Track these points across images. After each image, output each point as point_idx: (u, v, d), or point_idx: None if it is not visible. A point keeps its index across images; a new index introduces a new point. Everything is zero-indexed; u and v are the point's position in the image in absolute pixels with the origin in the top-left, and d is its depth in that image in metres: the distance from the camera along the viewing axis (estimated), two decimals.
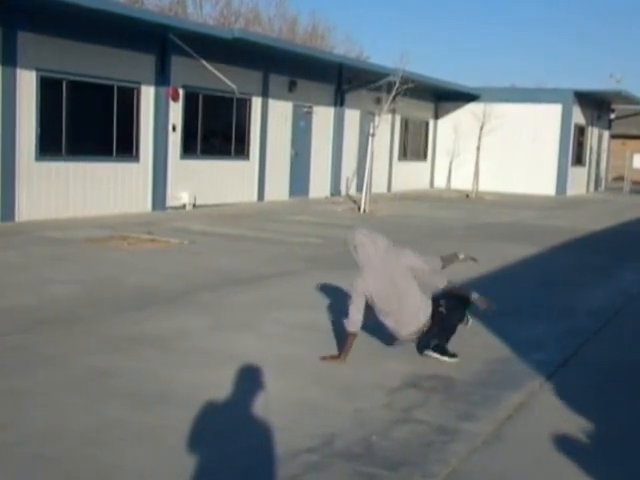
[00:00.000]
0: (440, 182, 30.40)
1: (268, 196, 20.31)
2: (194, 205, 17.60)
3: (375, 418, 4.97)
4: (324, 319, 7.54)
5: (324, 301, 8.32)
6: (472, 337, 7.15)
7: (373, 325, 6.44)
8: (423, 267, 6.24)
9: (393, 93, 19.93)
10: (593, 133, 32.35)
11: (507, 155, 28.51)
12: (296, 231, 14.40)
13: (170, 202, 17.10)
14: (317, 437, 4.58)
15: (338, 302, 8.04)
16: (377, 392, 5.49)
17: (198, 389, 5.35)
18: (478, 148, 26.16)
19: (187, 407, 4.97)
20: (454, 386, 5.74)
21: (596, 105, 31.46)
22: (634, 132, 42.78)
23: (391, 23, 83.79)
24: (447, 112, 29.87)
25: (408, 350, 6.63)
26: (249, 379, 5.65)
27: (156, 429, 4.64)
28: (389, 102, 20.33)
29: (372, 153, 19.50)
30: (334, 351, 6.33)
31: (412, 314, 6.16)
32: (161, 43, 16.34)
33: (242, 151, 19.61)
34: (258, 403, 5.13)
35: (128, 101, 16.07)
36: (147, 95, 16.44)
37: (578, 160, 30.55)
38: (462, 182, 28.31)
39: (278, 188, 20.85)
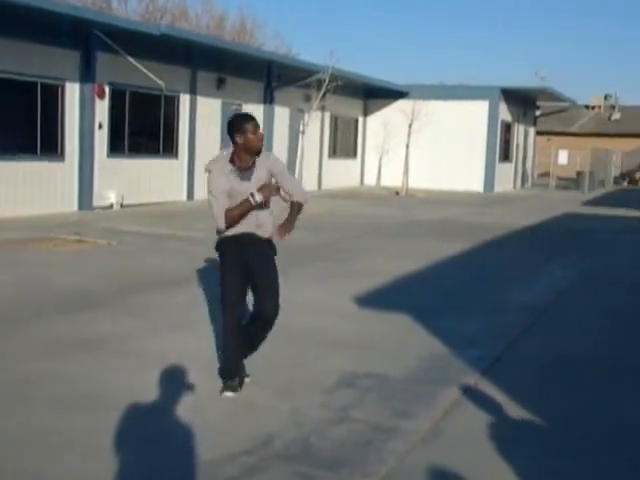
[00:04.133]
0: (370, 179, 30.52)
1: (198, 195, 20.04)
2: (122, 205, 17.26)
3: (312, 418, 4.92)
4: None
5: None
6: (406, 334, 7.21)
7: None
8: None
9: (322, 90, 19.88)
10: (519, 130, 32.92)
11: (436, 152, 28.79)
12: None
13: (97, 202, 16.72)
14: (254, 438, 4.52)
15: None
16: (313, 391, 5.44)
17: (131, 393, 5.22)
18: (407, 145, 26.33)
19: (119, 412, 4.84)
20: (390, 384, 5.72)
21: (522, 102, 32.04)
22: (558, 129, 43.82)
23: (320, 19, 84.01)
24: (376, 109, 30.00)
25: (344, 348, 6.60)
26: (184, 380, 5.54)
27: (85, 435, 4.50)
28: (318, 99, 20.29)
29: (302, 151, 19.43)
30: (269, 354, 6.22)
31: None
32: (85, 39, 15.94)
33: (170, 149, 19.31)
34: (193, 405, 5.04)
35: (52, 98, 15.63)
36: (72, 92, 16.02)
37: (505, 157, 31.05)
38: (392, 179, 28.46)
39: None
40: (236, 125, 5.15)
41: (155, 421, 4.81)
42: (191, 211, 17.67)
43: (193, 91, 19.70)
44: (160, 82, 17.26)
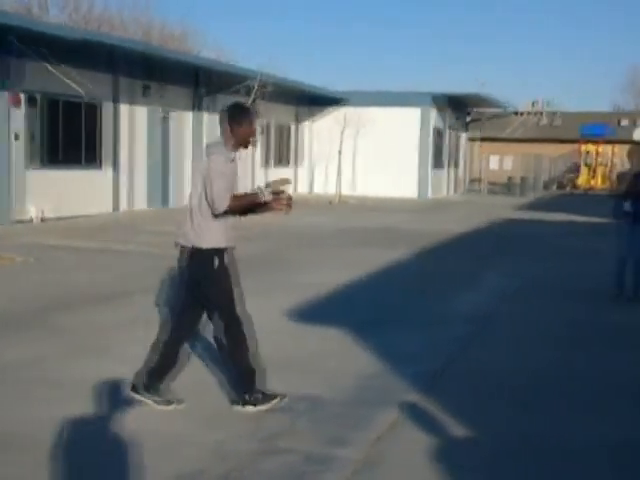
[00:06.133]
0: (304, 188, 30.16)
1: (125, 206, 19.34)
2: (43, 218, 16.46)
3: (239, 450, 4.53)
4: None
5: None
6: (342, 350, 6.86)
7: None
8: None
9: (252, 96, 19.43)
10: (452, 135, 33.02)
11: (370, 159, 28.54)
12: (157, 242, 13.61)
13: (16, 216, 15.89)
14: (176, 477, 4.13)
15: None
16: (240, 419, 5.03)
17: (42, 428, 4.73)
18: (340, 152, 26.04)
19: (27, 451, 4.40)
20: (323, 407, 5.32)
21: (454, 108, 32.12)
22: (490, 134, 44.14)
23: (255, 27, 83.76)
24: (310, 116, 29.65)
25: (274, 368, 6.12)
26: (103, 412, 5.08)
27: None
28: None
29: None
30: (197, 377, 5.69)
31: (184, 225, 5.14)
32: None
33: (94, 159, 18.48)
34: (111, 440, 4.61)
35: None
36: None
37: (438, 163, 31.04)
38: (326, 187, 28.10)
39: (135, 197, 19.89)
40: (240, 115, 5.04)
41: (67, 461, 4.35)
42: (117, 223, 17.03)
43: (116, 98, 18.98)
44: (80, 89, 16.52)
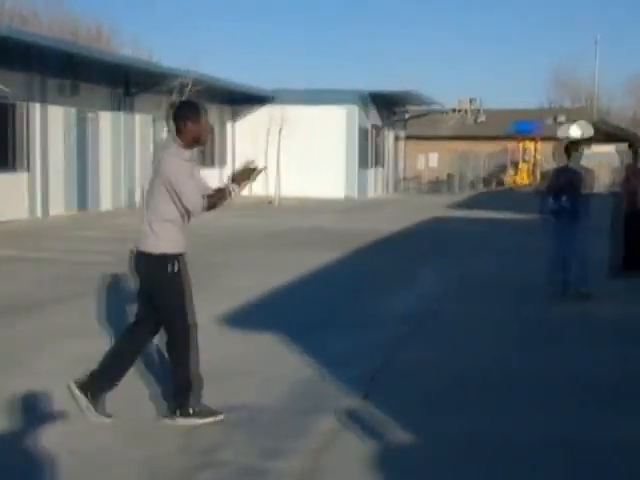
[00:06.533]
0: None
1: (53, 210, 18.70)
2: None
3: (170, 466, 4.33)
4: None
5: (114, 327, 7.29)
6: (275, 356, 6.68)
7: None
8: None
9: (185, 95, 19.13)
10: (388, 134, 33.05)
11: (306, 158, 28.22)
12: (83, 248, 13.21)
13: None
14: None
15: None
16: (170, 432, 4.80)
17: None
18: (277, 152, 25.79)
19: None
20: (258, 416, 5.13)
21: (390, 106, 32.13)
22: (427, 132, 44.46)
23: (182, 26, 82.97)
24: (244, 115, 29.27)
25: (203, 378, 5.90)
26: (16, 431, 4.77)
27: None
28: None
29: None
30: (126, 389, 5.42)
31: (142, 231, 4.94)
32: None
33: (6, 162, 17.73)
34: (28, 460, 4.34)
35: None
36: None
37: (375, 161, 31.01)
38: (263, 188, 27.74)
39: (64, 201, 19.29)
40: (191, 112, 4.85)
41: None
42: (44, 228, 16.55)
43: (43, 99, 18.40)
44: (4, 89, 15.95)
